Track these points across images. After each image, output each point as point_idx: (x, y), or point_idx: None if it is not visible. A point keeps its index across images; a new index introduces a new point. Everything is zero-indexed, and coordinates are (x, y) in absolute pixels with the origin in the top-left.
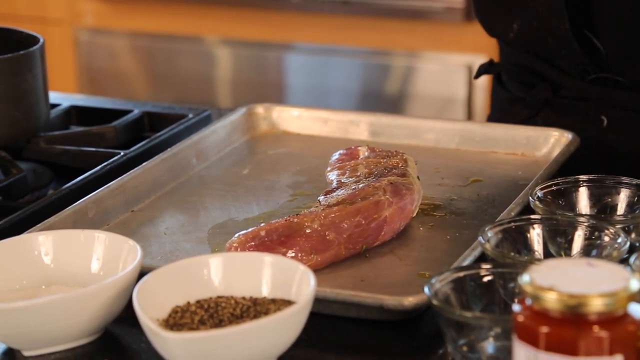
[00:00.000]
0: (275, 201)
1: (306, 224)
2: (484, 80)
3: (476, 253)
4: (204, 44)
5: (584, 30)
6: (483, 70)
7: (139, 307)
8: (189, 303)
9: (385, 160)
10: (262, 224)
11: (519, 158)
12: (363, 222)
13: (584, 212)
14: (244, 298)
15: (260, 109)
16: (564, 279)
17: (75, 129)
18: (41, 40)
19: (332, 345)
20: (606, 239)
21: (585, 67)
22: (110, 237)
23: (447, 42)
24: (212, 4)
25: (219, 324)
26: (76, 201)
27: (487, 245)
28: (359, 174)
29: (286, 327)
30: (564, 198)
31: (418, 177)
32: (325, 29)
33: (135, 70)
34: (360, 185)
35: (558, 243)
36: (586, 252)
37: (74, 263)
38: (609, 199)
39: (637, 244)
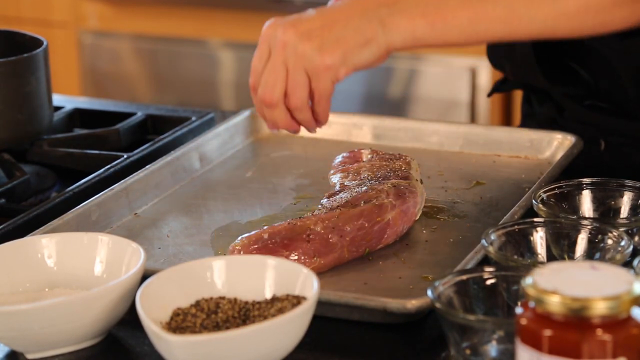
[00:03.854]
0: (279, 204)
1: (309, 227)
2: (487, 84)
3: (479, 256)
4: (207, 47)
5: (570, 62)
6: (496, 88)
7: (142, 310)
8: (192, 306)
9: (388, 163)
10: (265, 227)
11: (522, 161)
12: (366, 225)
13: (587, 215)
14: (247, 301)
15: None
16: (567, 282)
17: (78, 131)
18: (45, 43)
19: (335, 348)
20: (609, 242)
21: (581, 94)
22: (114, 240)
23: None
24: (215, 6)
25: (222, 326)
26: (79, 204)
27: (491, 248)
28: (362, 176)
29: (289, 330)
30: (567, 201)
31: (421, 180)
32: None
33: (138, 73)
34: (363, 188)
35: (561, 246)
36: (589, 255)
37: (77, 266)
38: (612, 202)
39: None
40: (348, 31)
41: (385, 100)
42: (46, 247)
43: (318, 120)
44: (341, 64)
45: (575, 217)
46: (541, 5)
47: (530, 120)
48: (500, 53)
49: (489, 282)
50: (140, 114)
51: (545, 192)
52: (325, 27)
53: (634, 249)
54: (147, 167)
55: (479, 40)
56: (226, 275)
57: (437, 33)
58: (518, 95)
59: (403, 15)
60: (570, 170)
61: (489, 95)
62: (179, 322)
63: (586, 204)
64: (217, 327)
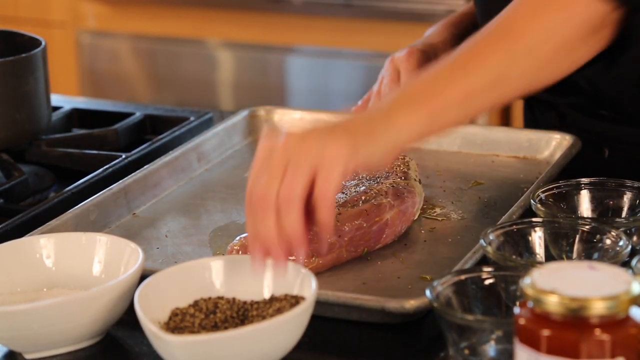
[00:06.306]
0: None
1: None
2: None
3: (478, 256)
4: (205, 47)
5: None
6: None
7: (140, 310)
8: (190, 306)
9: None
10: None
11: (521, 161)
12: (364, 225)
13: (585, 215)
14: (245, 301)
15: (262, 112)
16: (565, 282)
17: (77, 131)
18: (43, 43)
19: (333, 348)
20: (608, 242)
21: (582, 103)
22: (112, 240)
23: None
24: (214, 6)
25: (221, 326)
26: (78, 204)
27: (489, 248)
28: (360, 176)
29: (288, 330)
30: (566, 201)
31: (419, 180)
32: (327, 32)
33: (137, 73)
34: (362, 188)
35: (560, 246)
36: (588, 255)
37: (75, 266)
38: (611, 202)
39: (639, 247)
40: (355, 126)
41: None
42: (44, 247)
43: (320, 228)
44: (351, 155)
45: (573, 217)
46: (518, 61)
47: (534, 127)
48: None
49: (487, 282)
50: (138, 114)
51: (543, 192)
52: (326, 127)
53: (632, 249)
54: (145, 167)
55: (475, 113)
56: (224, 275)
57: (435, 121)
58: None
59: (401, 113)
60: (568, 170)
61: None
62: (178, 322)
63: (584, 204)
64: (215, 327)
